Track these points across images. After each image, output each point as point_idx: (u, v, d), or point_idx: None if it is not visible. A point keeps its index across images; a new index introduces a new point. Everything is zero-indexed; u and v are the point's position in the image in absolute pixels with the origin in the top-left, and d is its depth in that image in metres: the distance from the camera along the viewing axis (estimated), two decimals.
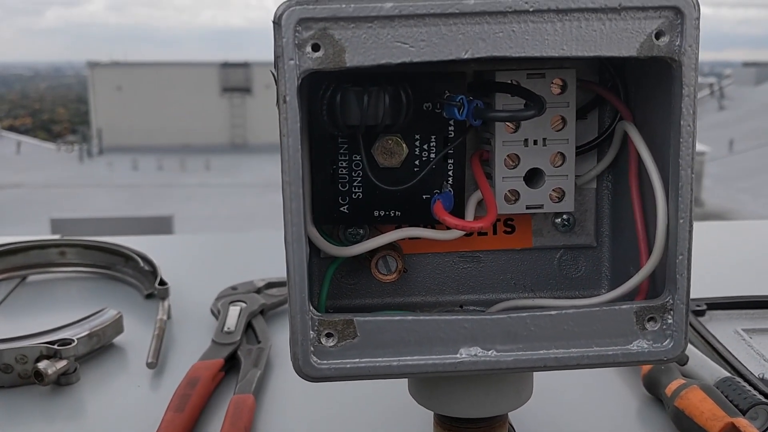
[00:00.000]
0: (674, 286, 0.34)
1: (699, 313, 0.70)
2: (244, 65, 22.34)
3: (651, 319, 0.34)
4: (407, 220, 0.39)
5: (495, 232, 0.42)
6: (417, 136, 0.38)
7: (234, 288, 0.73)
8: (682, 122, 0.32)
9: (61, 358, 0.59)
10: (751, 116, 21.85)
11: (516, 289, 0.43)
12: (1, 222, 12.29)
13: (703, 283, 0.79)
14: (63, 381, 0.59)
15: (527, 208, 0.39)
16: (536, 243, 0.42)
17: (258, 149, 20.06)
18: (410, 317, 0.34)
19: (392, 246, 0.40)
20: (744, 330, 0.68)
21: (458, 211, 0.39)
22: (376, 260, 0.40)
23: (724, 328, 0.68)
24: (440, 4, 0.31)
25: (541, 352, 0.34)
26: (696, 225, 1.01)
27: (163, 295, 0.71)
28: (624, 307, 0.34)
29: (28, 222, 11.77)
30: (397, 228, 0.39)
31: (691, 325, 0.67)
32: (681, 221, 0.33)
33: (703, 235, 1.02)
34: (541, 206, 0.39)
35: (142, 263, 0.77)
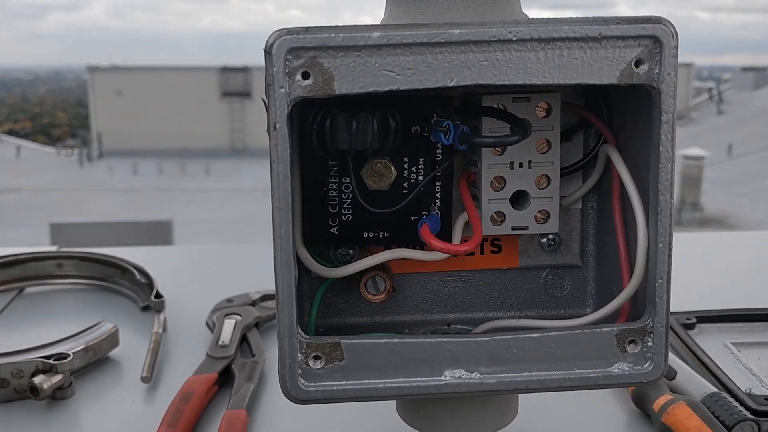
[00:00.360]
0: (654, 309, 0.35)
1: (689, 326, 0.70)
2: (244, 70, 22.36)
3: (632, 341, 0.35)
4: (396, 241, 0.40)
5: (482, 252, 0.43)
6: (405, 159, 0.39)
7: (230, 300, 0.74)
8: (660, 148, 0.33)
9: (56, 373, 0.59)
10: (750, 121, 21.87)
11: (503, 308, 0.43)
12: (0, 226, 12.28)
13: (695, 296, 0.80)
14: (58, 395, 0.59)
15: (513, 229, 0.40)
16: (522, 262, 0.43)
17: (258, 153, 20.06)
18: (396, 340, 0.35)
19: (381, 266, 0.41)
20: (733, 343, 0.68)
21: (446, 232, 0.40)
22: (365, 281, 0.41)
23: (713, 342, 0.69)
24: (426, 33, 0.32)
25: (524, 374, 0.35)
26: (689, 236, 1.01)
27: (159, 308, 0.72)
28: (605, 329, 0.35)
29: (28, 226, 11.77)
30: (386, 249, 0.40)
31: (680, 338, 0.68)
32: (660, 245, 0.34)
33: (697, 245, 1.03)
34: (526, 228, 0.40)
35: (138, 275, 0.77)
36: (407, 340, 0.35)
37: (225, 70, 22.34)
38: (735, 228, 12.60)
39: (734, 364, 0.65)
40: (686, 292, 0.81)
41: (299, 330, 0.34)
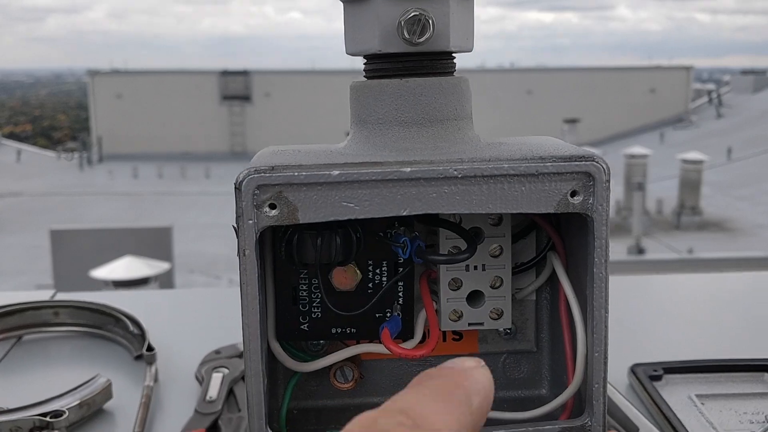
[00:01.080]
0: (592, 409, 0.38)
1: (655, 378, 0.74)
2: (244, 73, 22.40)
3: None
4: (362, 336, 0.44)
5: (444, 340, 0.46)
6: (370, 262, 0.43)
7: (218, 352, 0.77)
8: (594, 270, 0.37)
9: (53, 429, 0.63)
10: (749, 124, 21.89)
11: None
12: (0, 231, 12.31)
13: (667, 343, 0.83)
14: None
15: (469, 324, 0.43)
16: (482, 349, 0.47)
17: None
18: None
19: (350, 357, 0.44)
20: (697, 395, 0.72)
21: (409, 326, 0.44)
22: (334, 371, 0.44)
23: (678, 394, 0.72)
24: (380, 171, 0.35)
25: None
26: (665, 278, 1.04)
27: (150, 360, 0.75)
28: (547, 427, 0.39)
29: (28, 231, 11.81)
30: (354, 342, 0.44)
31: (647, 391, 0.72)
32: (596, 354, 0.38)
33: (679, 288, 1.07)
34: (482, 323, 0.43)
35: (131, 326, 0.81)
36: None
37: (225, 73, 22.40)
38: (734, 231, 12.63)
39: (696, 418, 0.68)
40: (657, 342, 0.85)
41: (268, 429, 0.38)
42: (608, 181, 0.36)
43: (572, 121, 18.64)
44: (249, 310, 0.36)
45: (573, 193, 0.36)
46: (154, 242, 7.58)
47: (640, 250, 10.55)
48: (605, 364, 0.38)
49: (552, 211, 0.36)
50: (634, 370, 0.74)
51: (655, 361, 0.76)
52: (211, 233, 11.26)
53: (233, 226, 0.36)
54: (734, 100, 25.93)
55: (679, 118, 23.93)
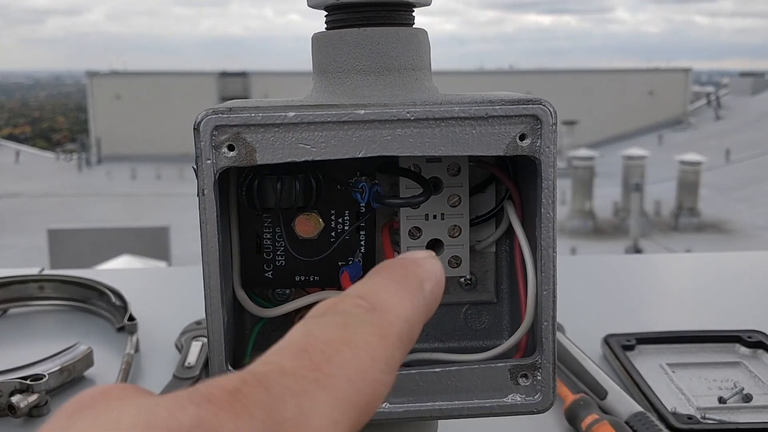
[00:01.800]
0: (542, 347, 0.40)
1: (628, 348, 0.75)
2: (242, 74, 22.43)
3: (523, 375, 0.40)
4: (325, 283, 0.45)
5: None
6: (332, 211, 0.44)
7: (198, 323, 0.79)
8: (542, 210, 0.38)
9: (33, 392, 0.64)
10: (748, 126, 21.91)
11: (428, 340, 0.48)
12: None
13: (643, 316, 0.85)
14: (35, 413, 0.64)
15: None
16: (444, 300, 0.48)
17: None
18: None
19: (312, 305, 0.46)
20: (668, 364, 0.73)
21: None
22: (298, 318, 0.45)
23: (650, 363, 0.73)
24: (335, 113, 0.37)
25: (428, 404, 0.40)
26: (647, 257, 1.07)
27: (132, 330, 0.76)
28: (499, 365, 0.40)
29: (27, 232, 11.81)
30: (318, 290, 0.45)
31: (618, 359, 0.73)
32: (545, 293, 0.39)
33: (653, 267, 1.08)
34: None
35: (113, 298, 0.82)
36: None
37: (224, 75, 22.42)
38: (732, 233, 12.65)
39: (666, 384, 0.69)
40: (630, 314, 0.86)
41: (229, 367, 0.39)
42: (555, 124, 0.37)
43: (570, 123, 18.64)
44: (208, 248, 0.38)
45: (522, 137, 0.38)
46: (151, 242, 7.59)
47: (638, 252, 10.56)
48: (554, 302, 0.39)
49: (501, 153, 0.38)
50: (607, 340, 0.76)
51: (629, 332, 0.77)
52: None
53: (192, 167, 0.38)
54: (733, 102, 25.97)
55: (677, 120, 23.95)
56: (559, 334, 0.73)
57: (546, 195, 0.38)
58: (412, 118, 0.37)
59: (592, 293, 0.93)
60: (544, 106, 0.37)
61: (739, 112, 24.27)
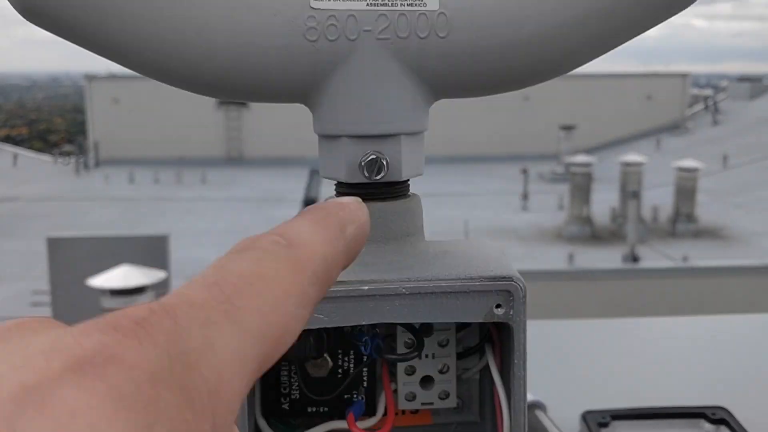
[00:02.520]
0: None
1: (603, 425, 0.82)
2: None
3: None
4: (334, 414, 0.52)
5: (403, 413, 0.55)
6: (339, 352, 0.51)
7: None
8: (514, 369, 0.45)
9: None
10: (746, 131, 21.99)
11: None
12: None
13: (621, 388, 0.92)
14: None
15: (422, 404, 0.52)
16: (435, 420, 0.55)
17: (254, 162, 20.20)
18: None
19: None
20: None
21: (372, 404, 0.52)
22: None
23: None
24: (344, 290, 0.44)
25: None
26: (621, 321, 1.13)
27: None
28: None
29: (25, 237, 11.87)
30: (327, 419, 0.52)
31: None
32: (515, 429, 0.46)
33: (628, 335, 1.15)
34: (432, 404, 0.52)
35: None
36: None
37: None
38: (730, 239, 12.73)
39: None
40: (607, 389, 0.93)
41: None
42: (524, 297, 0.45)
43: (568, 128, 18.73)
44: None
45: (497, 307, 0.45)
46: (151, 251, 7.65)
47: (635, 258, 10.62)
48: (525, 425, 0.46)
49: (481, 320, 0.45)
50: (585, 417, 0.83)
51: (605, 408, 0.84)
52: (207, 240, 11.33)
53: None
54: (731, 107, 26.03)
55: (675, 124, 24.03)
56: (540, 414, 0.81)
57: (517, 356, 0.45)
58: (407, 292, 0.44)
59: (570, 364, 1.00)
60: (515, 282, 0.45)
61: (737, 117, 24.35)
